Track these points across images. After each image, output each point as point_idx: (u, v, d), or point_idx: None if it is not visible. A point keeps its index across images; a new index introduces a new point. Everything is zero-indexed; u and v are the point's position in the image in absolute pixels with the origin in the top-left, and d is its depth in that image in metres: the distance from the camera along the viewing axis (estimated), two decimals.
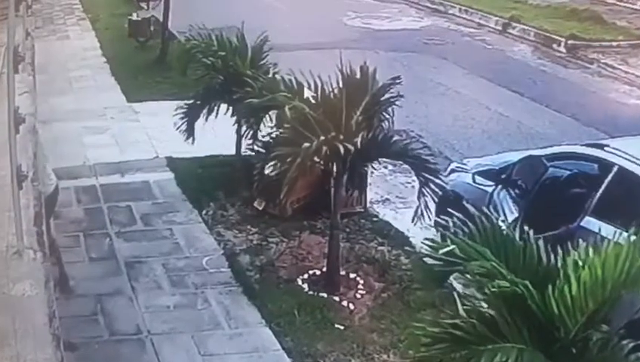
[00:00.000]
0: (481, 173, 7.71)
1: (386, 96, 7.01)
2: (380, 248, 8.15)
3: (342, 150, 6.66)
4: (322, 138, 6.69)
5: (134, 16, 16.18)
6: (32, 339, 3.49)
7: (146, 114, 12.19)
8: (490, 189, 7.55)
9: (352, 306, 7.08)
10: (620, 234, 4.35)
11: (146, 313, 6.95)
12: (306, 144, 6.64)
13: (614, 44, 15.99)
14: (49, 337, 3.54)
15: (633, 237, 4.25)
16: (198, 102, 9.45)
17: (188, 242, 8.21)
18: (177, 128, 9.50)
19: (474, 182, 7.63)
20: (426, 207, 6.94)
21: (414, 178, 7.51)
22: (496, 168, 7.63)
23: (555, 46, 16.35)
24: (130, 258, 7.86)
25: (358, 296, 7.25)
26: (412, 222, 7.02)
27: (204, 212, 8.85)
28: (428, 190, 6.93)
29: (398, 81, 7.00)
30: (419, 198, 6.95)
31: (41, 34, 15.57)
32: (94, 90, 13.64)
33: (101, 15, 19.05)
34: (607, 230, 5.25)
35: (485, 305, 4.47)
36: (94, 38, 17.24)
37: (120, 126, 11.75)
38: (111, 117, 12.18)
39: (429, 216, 7.03)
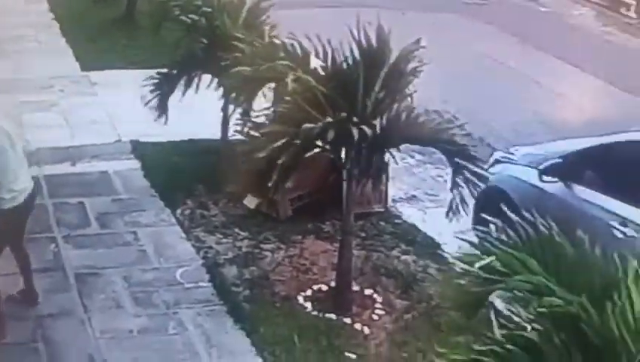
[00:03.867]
0: (547, 167, 7.93)
1: (411, 66, 7.19)
2: (403, 257, 8.36)
3: (356, 134, 6.80)
4: (330, 118, 6.86)
5: None
6: None
7: (105, 86, 12.30)
8: (545, 186, 7.82)
9: (367, 330, 7.25)
10: None
11: (102, 339, 7.02)
12: (308, 124, 6.80)
13: None
14: None
15: None
16: (175, 71, 9.59)
17: (157, 249, 8.36)
18: (146, 104, 9.64)
19: (540, 179, 7.88)
20: (462, 200, 7.14)
21: (448, 170, 7.69)
22: (558, 158, 7.90)
23: (623, 10, 16.68)
24: (82, 269, 7.93)
25: (375, 317, 7.42)
26: (446, 217, 7.23)
27: (179, 211, 9.04)
28: (463, 179, 7.11)
29: (421, 45, 7.18)
30: (452, 190, 7.14)
31: None
32: (38, 54, 13.68)
33: None
34: None
35: (530, 328, 4.67)
36: None
37: (71, 101, 11.84)
38: (60, 89, 12.29)
39: (465, 212, 7.23)
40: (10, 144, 6.84)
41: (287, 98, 7.21)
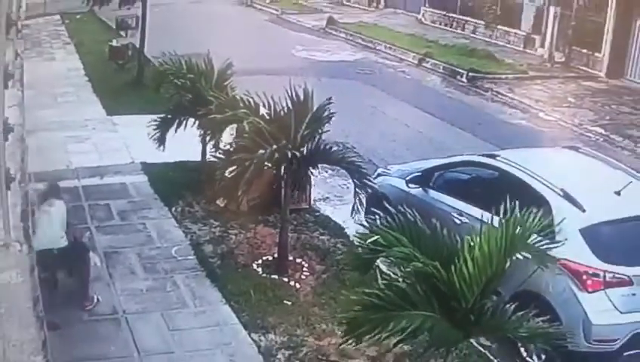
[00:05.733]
0: (411, 178, 8.01)
1: (325, 114, 7.27)
2: (321, 237, 8.36)
3: (289, 157, 6.88)
4: (274, 147, 6.90)
5: (114, 43, 16.18)
6: (17, 321, 3.45)
7: (123, 125, 12.09)
8: (411, 190, 7.87)
9: (298, 285, 7.26)
10: (497, 219, 4.73)
11: (122, 296, 6.93)
12: (261, 151, 6.85)
13: (503, 76, 17.03)
14: (33, 319, 3.50)
15: (504, 220, 4.69)
16: (169, 116, 9.52)
17: (159, 234, 8.25)
18: (151, 137, 9.50)
19: (407, 186, 7.91)
20: (361, 203, 7.20)
21: (349, 180, 7.72)
22: (418, 172, 7.96)
23: (459, 77, 17.21)
24: (108, 248, 7.80)
25: (303, 277, 7.46)
26: (351, 216, 7.26)
27: (173, 209, 8.89)
28: (361, 190, 7.18)
29: (331, 102, 7.26)
30: (355, 197, 7.21)
31: (29, 55, 15.22)
32: (77, 104, 13.46)
33: (84, 41, 18.83)
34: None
35: (402, 281, 4.76)
36: (78, 60, 17.01)
37: (100, 135, 11.63)
38: (92, 128, 12.06)
39: (361, 211, 7.26)
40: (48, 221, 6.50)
41: (246, 135, 7.20)
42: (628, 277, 6.08)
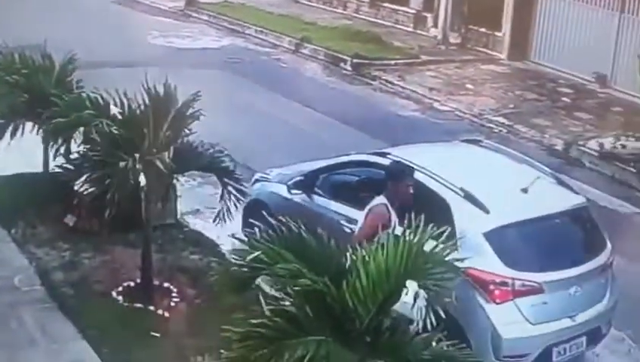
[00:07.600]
0: (293, 183, 8.10)
1: (190, 111, 7.23)
2: (191, 257, 8.31)
3: (160, 165, 6.81)
4: (137, 155, 6.80)
5: None
6: None
7: None
8: (294, 197, 7.94)
9: (167, 314, 7.21)
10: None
11: None
12: (122, 163, 6.74)
13: (392, 62, 17.27)
14: None
15: (409, 232, 4.78)
16: (2, 121, 9.12)
17: None
18: None
19: (289, 192, 7.96)
20: (228, 210, 7.29)
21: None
22: (300, 176, 8.06)
23: (342, 64, 17.36)
24: None
25: (173, 304, 7.39)
26: (214, 221, 7.36)
27: (12, 231, 8.63)
28: (230, 195, 7.27)
29: (197, 96, 7.25)
30: (220, 202, 7.28)
31: None
32: None
33: None
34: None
35: (289, 303, 4.80)
36: None
37: None
38: None
39: (229, 219, 7.36)
40: None
41: (97, 146, 7.06)
42: (538, 284, 6.34)
